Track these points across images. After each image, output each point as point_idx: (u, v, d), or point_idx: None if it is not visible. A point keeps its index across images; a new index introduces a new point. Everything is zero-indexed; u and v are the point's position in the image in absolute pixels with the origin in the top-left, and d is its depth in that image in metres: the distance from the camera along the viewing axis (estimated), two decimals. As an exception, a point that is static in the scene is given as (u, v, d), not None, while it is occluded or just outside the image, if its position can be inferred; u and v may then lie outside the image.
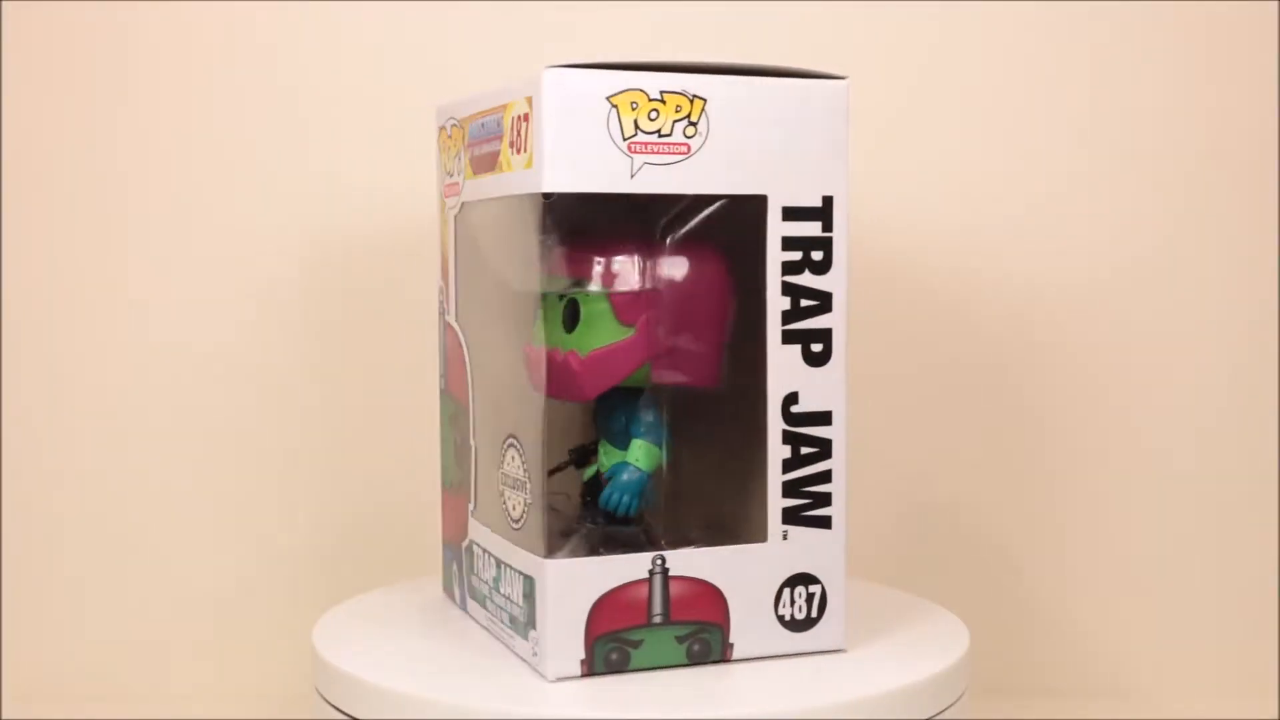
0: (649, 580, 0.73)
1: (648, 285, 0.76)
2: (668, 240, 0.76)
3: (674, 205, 0.75)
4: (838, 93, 0.75)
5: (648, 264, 0.76)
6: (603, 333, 0.76)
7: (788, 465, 0.75)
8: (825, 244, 0.75)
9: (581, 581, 0.72)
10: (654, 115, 0.72)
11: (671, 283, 0.76)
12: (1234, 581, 1.09)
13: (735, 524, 0.76)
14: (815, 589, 0.76)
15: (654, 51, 0.86)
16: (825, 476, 0.76)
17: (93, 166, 1.03)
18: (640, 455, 0.78)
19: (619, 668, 0.73)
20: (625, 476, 0.78)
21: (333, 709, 0.75)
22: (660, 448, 0.78)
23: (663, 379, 0.77)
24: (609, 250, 0.76)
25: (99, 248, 1.03)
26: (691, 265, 0.76)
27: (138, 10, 1.02)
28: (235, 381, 1.05)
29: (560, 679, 0.72)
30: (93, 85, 1.02)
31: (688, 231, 0.76)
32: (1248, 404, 1.10)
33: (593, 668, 0.72)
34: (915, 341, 1.08)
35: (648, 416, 0.78)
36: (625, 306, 0.76)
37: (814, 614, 0.76)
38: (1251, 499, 1.10)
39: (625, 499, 0.78)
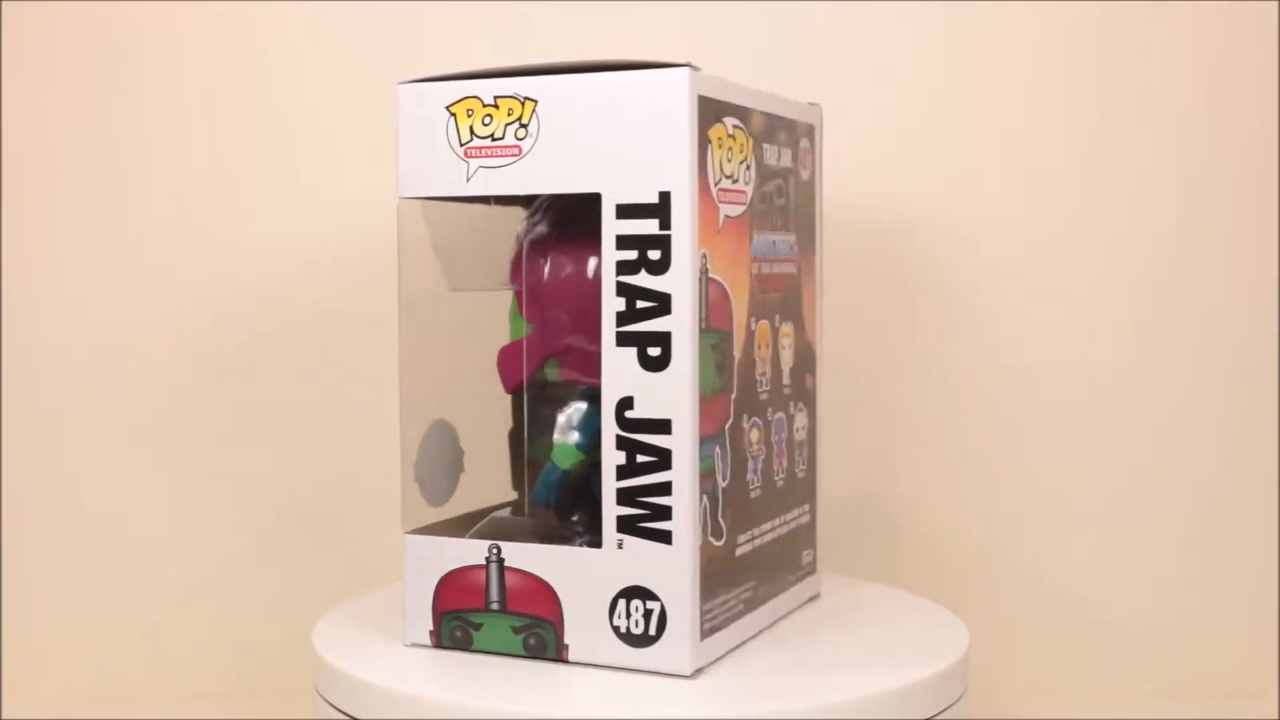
0: (486, 567, 0.75)
1: (542, 282, 0.77)
2: (554, 239, 0.77)
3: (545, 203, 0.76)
4: (674, 82, 0.70)
5: (541, 262, 0.77)
6: (516, 328, 0.79)
7: (622, 472, 0.72)
8: (663, 242, 0.71)
9: (431, 558, 0.77)
10: (488, 120, 0.74)
11: (563, 280, 0.76)
12: (1234, 581, 1.08)
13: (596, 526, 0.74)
14: (654, 605, 0.72)
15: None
16: (664, 488, 0.71)
17: (91, 166, 1.04)
18: (556, 452, 0.79)
19: (463, 645, 0.76)
20: (547, 473, 0.79)
21: (333, 709, 0.76)
22: (576, 445, 0.78)
23: (565, 377, 0.77)
24: (522, 250, 0.79)
25: (97, 248, 1.04)
26: (581, 264, 0.76)
27: (137, 10, 1.03)
28: (237, 382, 1.06)
29: (413, 645, 0.77)
30: (93, 85, 1.03)
31: (581, 230, 0.76)
32: (1248, 404, 1.08)
33: (440, 640, 0.77)
34: (913, 341, 1.08)
35: (567, 416, 0.79)
36: (524, 303, 0.78)
37: (652, 631, 0.72)
38: (1251, 499, 1.08)
39: (544, 493, 0.79)
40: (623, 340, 0.72)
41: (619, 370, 0.72)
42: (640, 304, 0.71)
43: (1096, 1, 1.05)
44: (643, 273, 0.71)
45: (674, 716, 0.68)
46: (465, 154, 0.74)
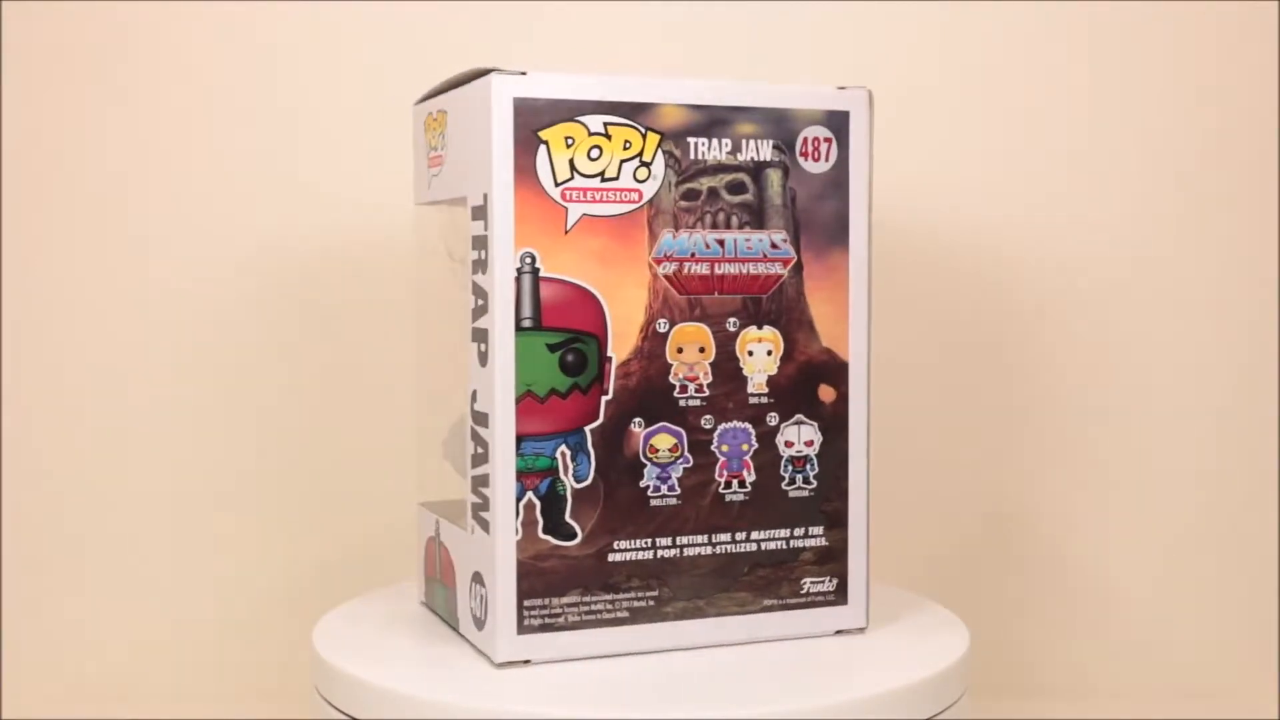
0: (434, 539, 0.81)
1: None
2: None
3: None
4: (486, 89, 0.70)
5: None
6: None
7: (473, 461, 0.74)
8: (485, 243, 0.71)
9: (423, 527, 0.84)
10: (435, 134, 0.79)
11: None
12: (1234, 581, 1.09)
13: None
14: (484, 592, 0.73)
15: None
16: (486, 480, 0.72)
17: (91, 166, 1.03)
18: None
19: (431, 608, 0.83)
20: None
21: (333, 709, 0.76)
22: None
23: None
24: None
25: (96, 248, 1.03)
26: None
27: (138, 10, 1.02)
28: (236, 384, 1.04)
29: (420, 603, 0.85)
30: (90, 86, 1.02)
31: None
32: (1250, 405, 1.10)
33: (424, 600, 0.83)
34: (918, 341, 1.08)
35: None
36: (501, 301, 0.81)
37: (483, 615, 0.73)
38: (1252, 499, 1.10)
39: None
40: (474, 336, 0.75)
41: (470, 365, 0.75)
42: (478, 302, 0.74)
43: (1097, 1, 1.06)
44: (479, 272, 0.74)
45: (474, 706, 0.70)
46: (429, 164, 0.82)
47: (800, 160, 0.77)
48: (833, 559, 0.80)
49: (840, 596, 0.80)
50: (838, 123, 0.78)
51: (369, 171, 1.02)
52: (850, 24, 1.06)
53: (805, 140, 0.77)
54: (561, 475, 0.74)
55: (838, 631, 0.80)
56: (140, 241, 1.04)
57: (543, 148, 0.73)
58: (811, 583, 0.79)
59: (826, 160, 0.78)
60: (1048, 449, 1.09)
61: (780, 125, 0.77)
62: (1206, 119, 1.08)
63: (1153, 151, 1.08)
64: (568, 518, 0.74)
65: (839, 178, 0.78)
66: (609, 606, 0.75)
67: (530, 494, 0.74)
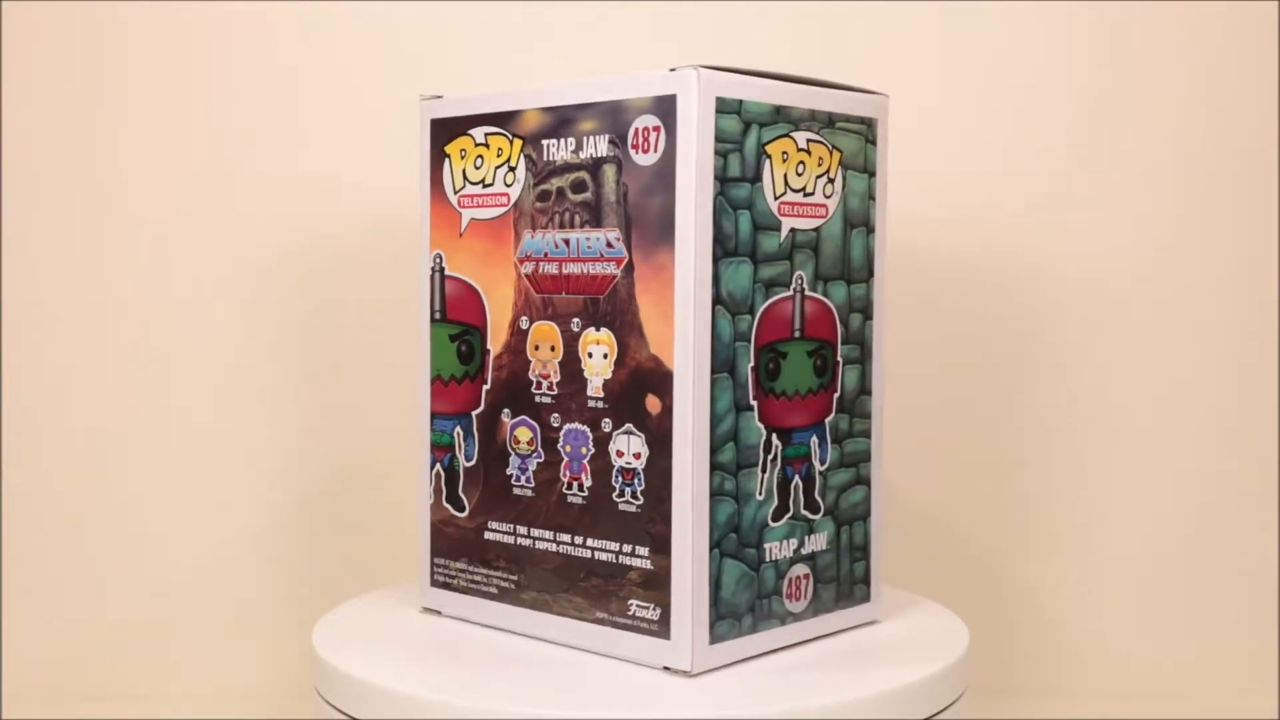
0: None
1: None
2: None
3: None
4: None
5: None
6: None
7: (462, 435, 0.83)
8: (436, 246, 0.81)
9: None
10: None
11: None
12: (1234, 581, 1.09)
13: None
14: (443, 546, 0.82)
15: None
16: (436, 449, 0.82)
17: (91, 166, 1.02)
18: None
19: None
20: None
21: (333, 709, 0.75)
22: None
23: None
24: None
25: (95, 246, 1.03)
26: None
27: (137, 10, 1.02)
28: (237, 382, 1.05)
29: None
30: (93, 85, 1.03)
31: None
32: (1249, 404, 1.08)
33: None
34: (916, 343, 1.06)
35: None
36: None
37: (443, 568, 0.82)
38: (1252, 499, 1.09)
39: None
40: (460, 326, 0.84)
41: (460, 351, 0.84)
42: (439, 297, 0.84)
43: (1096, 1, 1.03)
44: (441, 270, 0.83)
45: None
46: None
47: (632, 153, 0.72)
48: (657, 586, 0.71)
49: (663, 629, 0.71)
50: (665, 109, 0.70)
51: (373, 168, 1.03)
52: (849, 25, 1.04)
53: (636, 131, 0.72)
54: (457, 453, 0.81)
55: (665, 668, 0.71)
56: (141, 240, 1.05)
57: (446, 161, 0.81)
58: (638, 606, 0.72)
59: (655, 151, 0.71)
60: (1048, 447, 1.07)
61: (616, 118, 0.72)
62: (1206, 119, 1.06)
63: (1152, 152, 1.05)
64: (460, 492, 0.81)
65: (666, 169, 0.70)
66: (484, 580, 0.80)
67: (439, 465, 0.82)
